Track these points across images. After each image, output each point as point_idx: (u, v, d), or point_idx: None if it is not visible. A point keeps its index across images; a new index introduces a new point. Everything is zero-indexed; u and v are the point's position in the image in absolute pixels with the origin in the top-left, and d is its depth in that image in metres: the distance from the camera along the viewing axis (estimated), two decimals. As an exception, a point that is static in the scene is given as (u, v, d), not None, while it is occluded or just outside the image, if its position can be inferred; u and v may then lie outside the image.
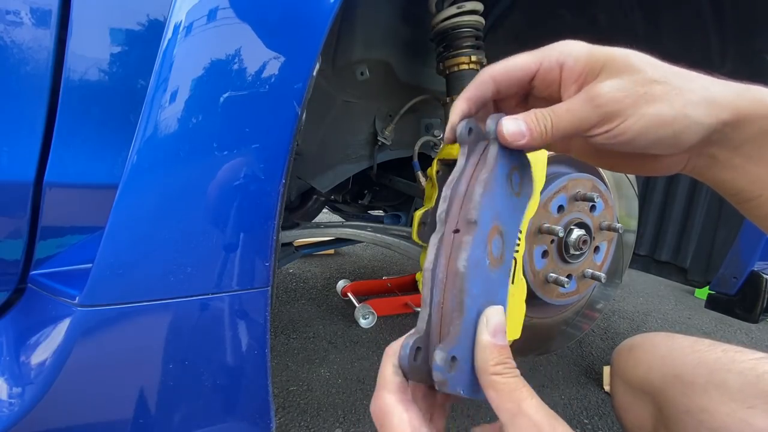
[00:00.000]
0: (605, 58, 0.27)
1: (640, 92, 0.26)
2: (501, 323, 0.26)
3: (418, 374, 0.26)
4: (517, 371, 0.25)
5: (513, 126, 0.28)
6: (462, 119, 0.31)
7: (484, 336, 0.26)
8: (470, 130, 0.31)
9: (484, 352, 0.25)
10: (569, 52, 0.28)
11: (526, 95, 0.33)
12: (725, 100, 0.25)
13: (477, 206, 0.27)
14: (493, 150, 0.29)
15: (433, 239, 0.28)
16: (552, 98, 0.31)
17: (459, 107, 0.31)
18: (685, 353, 0.42)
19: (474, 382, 0.26)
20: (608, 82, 0.26)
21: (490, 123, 0.29)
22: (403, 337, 0.27)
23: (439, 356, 0.24)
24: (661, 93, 0.25)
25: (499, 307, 0.27)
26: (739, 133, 0.26)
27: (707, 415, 0.36)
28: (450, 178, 0.30)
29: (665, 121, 0.25)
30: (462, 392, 0.25)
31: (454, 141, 0.32)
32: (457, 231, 0.28)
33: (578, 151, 0.34)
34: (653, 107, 0.25)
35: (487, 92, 0.31)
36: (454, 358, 0.25)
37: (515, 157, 0.31)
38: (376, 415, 0.26)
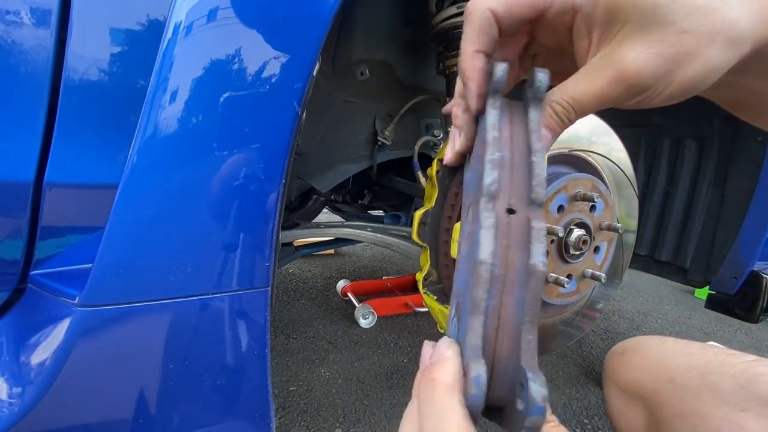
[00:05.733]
0: (629, 7, 0.23)
1: (672, 54, 0.22)
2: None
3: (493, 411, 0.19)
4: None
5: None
6: (484, 62, 0.25)
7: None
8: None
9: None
10: None
11: (528, 42, 0.29)
12: (750, 32, 0.23)
13: (543, 184, 0.21)
14: (535, 114, 0.24)
15: (486, 220, 0.20)
16: (559, 47, 0.27)
17: (470, 50, 0.25)
18: (677, 356, 0.42)
19: None
20: (636, 47, 0.23)
21: (542, 76, 0.23)
22: (447, 346, 0.21)
23: (538, 391, 0.17)
24: (691, 48, 0.22)
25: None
26: (757, 63, 0.24)
27: (700, 418, 0.36)
28: (487, 135, 0.23)
29: (696, 82, 0.23)
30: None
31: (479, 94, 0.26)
32: (512, 211, 0.21)
33: None
34: (685, 70, 0.23)
35: (493, 33, 0.25)
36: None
37: None
38: (428, 415, 0.19)
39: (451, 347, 0.20)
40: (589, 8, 0.24)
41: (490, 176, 0.21)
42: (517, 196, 0.22)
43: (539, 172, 0.21)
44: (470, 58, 0.26)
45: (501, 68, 0.24)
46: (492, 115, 0.24)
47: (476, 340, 0.19)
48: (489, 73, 0.25)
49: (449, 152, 0.31)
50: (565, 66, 0.28)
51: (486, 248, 0.20)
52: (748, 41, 0.23)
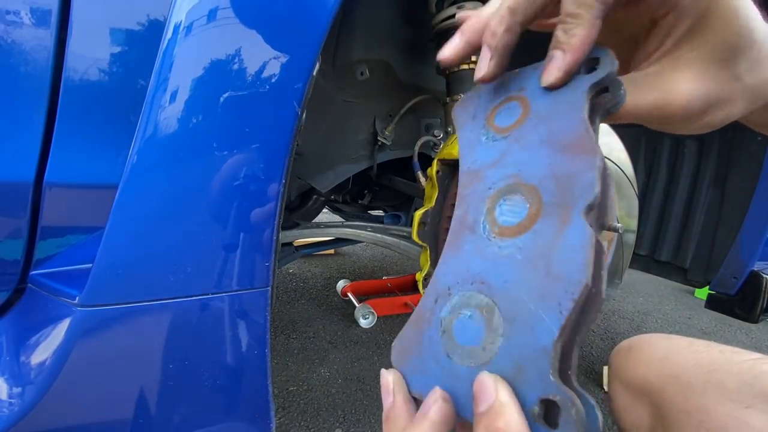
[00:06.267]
0: (716, 29, 0.21)
1: (717, 99, 0.22)
2: None
3: None
4: None
5: None
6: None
7: None
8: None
9: None
10: None
11: None
12: None
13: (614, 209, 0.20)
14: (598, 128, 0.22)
15: (591, 237, 0.18)
16: (619, 26, 0.25)
17: (594, 15, 0.21)
18: (683, 354, 0.42)
19: None
20: (694, 81, 0.21)
21: (623, 95, 0.21)
22: (494, 385, 0.18)
23: (599, 417, 0.16)
24: (732, 96, 0.22)
25: None
26: None
27: (705, 415, 0.36)
28: (590, 135, 0.20)
29: (713, 125, 0.23)
30: None
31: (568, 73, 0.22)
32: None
33: None
34: (713, 115, 0.22)
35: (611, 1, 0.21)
36: None
37: None
38: None
39: (502, 387, 0.17)
40: (681, 13, 0.22)
41: (598, 186, 0.19)
42: (599, 219, 0.20)
43: (611, 195, 0.19)
44: (589, 24, 0.21)
45: (616, 64, 0.21)
46: (586, 110, 0.21)
47: (557, 364, 0.17)
48: (592, 58, 0.22)
49: (455, 49, 0.25)
50: (610, 44, 0.27)
51: (590, 269, 0.18)
52: None
